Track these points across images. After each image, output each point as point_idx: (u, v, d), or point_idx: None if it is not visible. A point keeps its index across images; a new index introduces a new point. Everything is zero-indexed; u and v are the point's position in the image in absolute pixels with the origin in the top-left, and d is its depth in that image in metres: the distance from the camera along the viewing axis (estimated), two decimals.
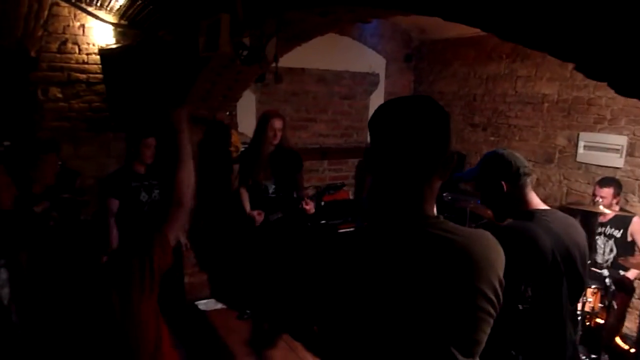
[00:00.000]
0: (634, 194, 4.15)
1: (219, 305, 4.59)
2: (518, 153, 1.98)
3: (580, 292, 1.97)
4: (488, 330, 1.12)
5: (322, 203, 5.39)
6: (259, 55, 2.66)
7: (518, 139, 5.08)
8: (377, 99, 5.97)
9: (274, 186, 3.99)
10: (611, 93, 4.84)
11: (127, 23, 4.04)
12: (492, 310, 1.11)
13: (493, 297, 1.10)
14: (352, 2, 2.30)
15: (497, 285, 1.11)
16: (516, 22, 1.40)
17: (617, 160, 4.24)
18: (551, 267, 1.78)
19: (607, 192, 3.71)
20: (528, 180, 1.92)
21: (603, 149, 4.33)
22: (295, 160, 4.06)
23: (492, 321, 1.12)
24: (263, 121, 3.91)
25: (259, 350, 3.78)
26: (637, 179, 4.14)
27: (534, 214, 1.87)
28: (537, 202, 1.94)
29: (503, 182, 1.89)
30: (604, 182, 3.80)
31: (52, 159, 3.12)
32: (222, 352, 3.80)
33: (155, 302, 1.80)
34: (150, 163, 3.78)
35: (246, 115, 5.02)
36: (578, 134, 4.52)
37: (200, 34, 2.85)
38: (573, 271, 1.85)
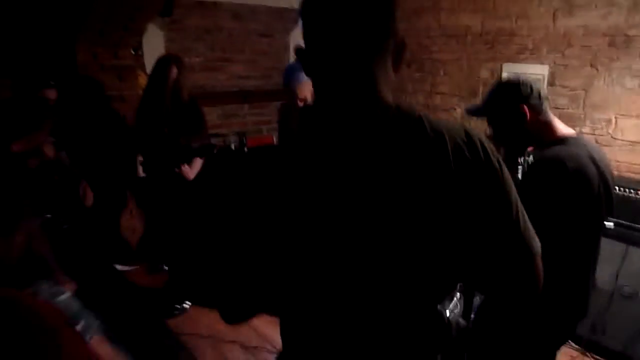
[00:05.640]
0: None
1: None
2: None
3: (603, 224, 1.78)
4: None
5: (246, 149, 5.08)
6: None
7: (443, 74, 4.99)
8: (297, 37, 5.62)
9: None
10: (533, 22, 4.74)
11: None
12: None
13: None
14: None
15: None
16: None
17: None
18: (597, 199, 1.58)
19: None
20: (547, 104, 1.69)
21: None
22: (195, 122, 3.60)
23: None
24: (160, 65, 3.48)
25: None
26: (557, 108, 4.19)
27: (570, 140, 1.64)
28: (564, 127, 1.70)
29: (525, 107, 1.63)
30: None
31: None
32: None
33: None
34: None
35: (154, 55, 4.46)
36: (501, 65, 4.50)
37: None
38: (609, 202, 1.65)
